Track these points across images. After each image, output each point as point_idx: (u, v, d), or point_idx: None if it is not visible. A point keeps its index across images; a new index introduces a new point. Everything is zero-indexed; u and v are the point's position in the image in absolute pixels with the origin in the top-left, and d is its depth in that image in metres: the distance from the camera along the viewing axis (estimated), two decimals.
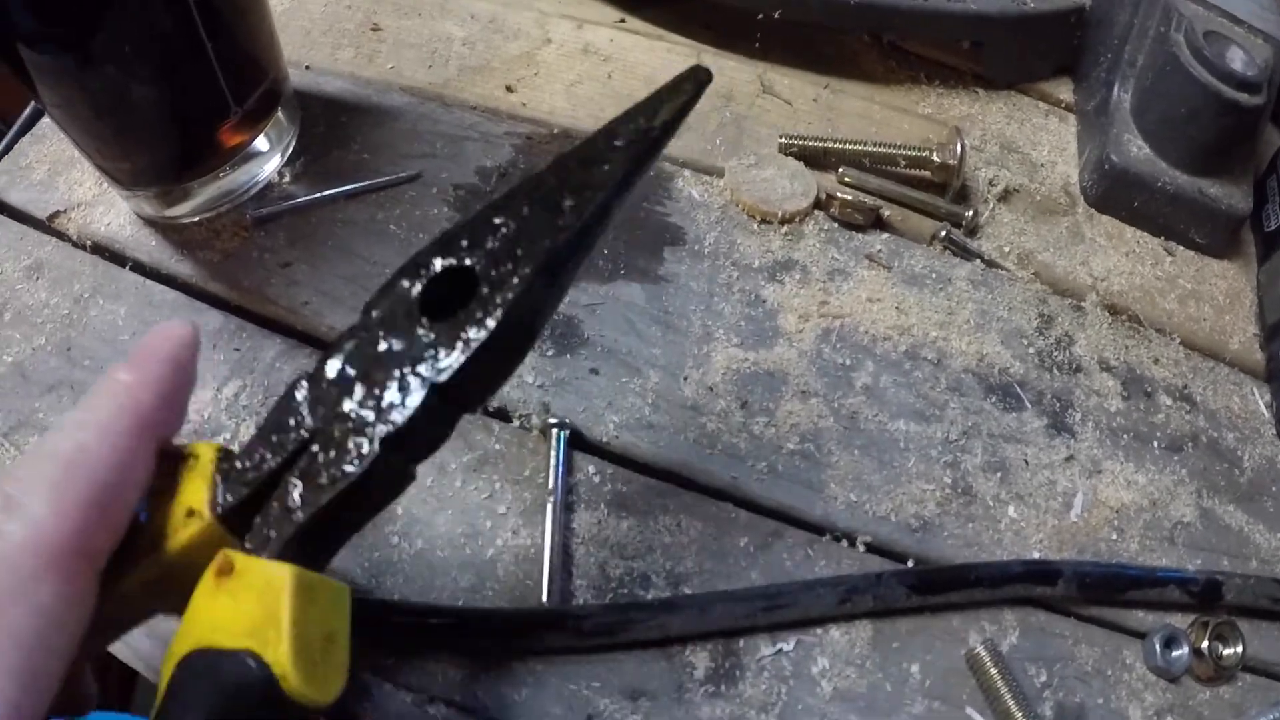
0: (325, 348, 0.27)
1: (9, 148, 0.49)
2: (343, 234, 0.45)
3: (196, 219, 0.45)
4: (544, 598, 0.36)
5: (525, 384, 0.41)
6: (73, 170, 0.47)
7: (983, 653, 0.37)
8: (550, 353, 0.43)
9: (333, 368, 0.27)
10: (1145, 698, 0.39)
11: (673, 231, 0.46)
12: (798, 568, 0.39)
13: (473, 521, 0.38)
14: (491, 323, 0.26)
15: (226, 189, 0.45)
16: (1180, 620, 0.40)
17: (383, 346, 0.26)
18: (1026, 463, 0.42)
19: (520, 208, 0.27)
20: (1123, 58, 0.51)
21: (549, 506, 0.38)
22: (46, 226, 0.46)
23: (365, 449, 0.25)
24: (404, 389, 0.25)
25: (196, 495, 0.26)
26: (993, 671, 0.37)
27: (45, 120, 0.49)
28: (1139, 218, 0.50)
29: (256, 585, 0.24)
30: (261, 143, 0.46)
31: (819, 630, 0.38)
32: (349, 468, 0.25)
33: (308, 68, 0.51)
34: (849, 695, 0.37)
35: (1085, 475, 0.43)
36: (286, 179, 0.47)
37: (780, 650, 0.37)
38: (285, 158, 0.47)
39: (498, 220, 0.27)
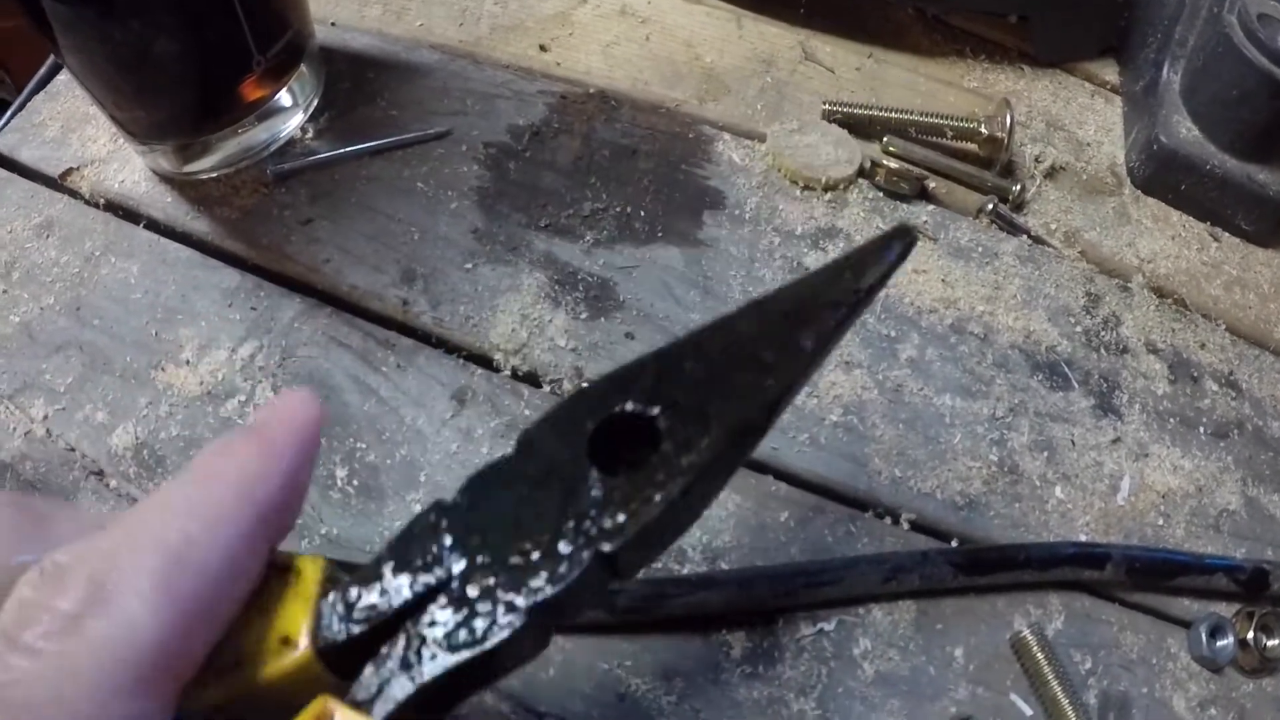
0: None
1: (22, 105, 0.47)
2: (367, 191, 0.43)
3: (215, 175, 0.43)
4: None
5: (557, 347, 0.39)
6: (86, 127, 0.45)
7: (1029, 637, 0.35)
8: (584, 316, 0.40)
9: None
10: (1189, 688, 0.37)
11: (712, 195, 0.44)
12: (839, 544, 0.36)
13: None
14: (675, 489, 0.21)
15: (246, 145, 0.43)
16: (1224, 610, 0.38)
17: (543, 492, 0.22)
18: (1073, 443, 0.40)
19: (713, 356, 0.23)
20: (1173, 38, 0.49)
21: None
22: (58, 184, 0.43)
23: (511, 616, 0.20)
24: (568, 553, 0.21)
25: (295, 619, 0.21)
26: (1039, 657, 0.35)
27: (59, 78, 0.47)
28: (1185, 201, 0.48)
29: None
30: (284, 98, 0.43)
31: (861, 610, 0.35)
32: (491, 635, 0.20)
33: (333, 24, 0.48)
34: (891, 678, 0.34)
35: (1132, 458, 0.41)
36: (309, 135, 0.44)
37: (821, 630, 0.35)
38: (308, 114, 0.45)
39: (687, 366, 0.23)
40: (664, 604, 0.33)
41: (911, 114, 0.45)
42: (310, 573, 0.22)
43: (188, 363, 0.39)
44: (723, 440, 0.22)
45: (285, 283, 0.41)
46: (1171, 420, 0.42)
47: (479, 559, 0.21)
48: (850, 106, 0.46)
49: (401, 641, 0.21)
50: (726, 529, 0.36)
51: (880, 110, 0.46)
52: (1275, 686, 0.37)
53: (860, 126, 0.46)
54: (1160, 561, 0.38)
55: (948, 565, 0.35)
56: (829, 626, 0.35)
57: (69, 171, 0.44)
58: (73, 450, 0.37)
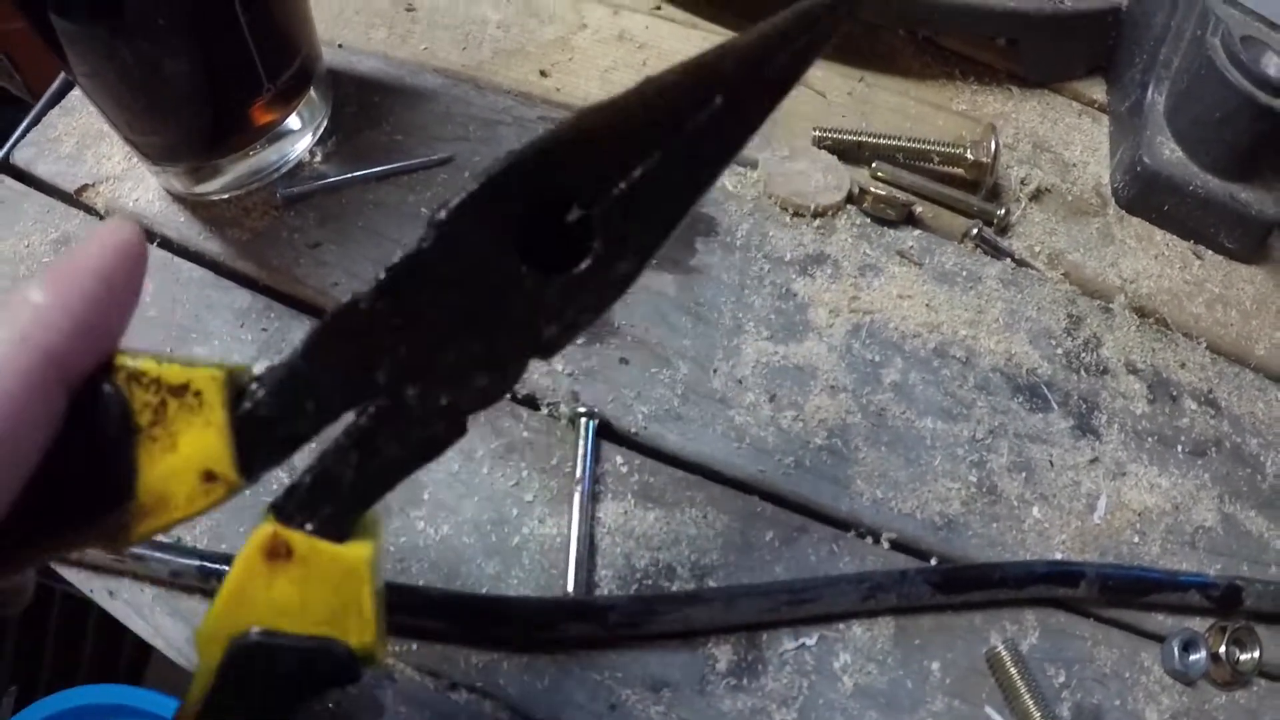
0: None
1: (37, 120, 0.48)
2: (373, 216, 0.44)
3: (226, 196, 0.44)
4: (569, 587, 0.35)
5: (555, 372, 0.40)
6: (101, 144, 0.46)
7: (1003, 652, 0.36)
8: (580, 341, 0.41)
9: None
10: (1162, 700, 0.38)
11: (705, 222, 0.45)
12: (822, 563, 0.38)
13: (499, 509, 0.37)
14: (610, 297, 0.21)
15: (257, 167, 0.44)
16: (1198, 624, 0.40)
17: (471, 294, 0.21)
18: (1051, 464, 0.41)
19: (651, 147, 0.21)
20: (1158, 60, 0.50)
21: (576, 496, 0.37)
22: (74, 200, 0.44)
23: (448, 421, 0.20)
24: (506, 361, 0.20)
25: (211, 450, 0.20)
26: (1012, 671, 0.36)
27: (75, 93, 0.48)
28: (1169, 220, 0.49)
29: (331, 574, 0.20)
30: (293, 121, 0.44)
31: (841, 626, 0.37)
32: (432, 448, 0.20)
33: (340, 46, 0.49)
34: (870, 691, 0.36)
35: (1109, 478, 0.42)
36: (318, 158, 0.45)
37: (803, 645, 0.36)
38: (317, 137, 0.46)
39: (620, 154, 0.21)
40: (653, 619, 0.35)
41: (899, 139, 0.46)
42: (211, 392, 0.20)
43: None
44: (653, 245, 0.21)
45: (295, 304, 0.42)
46: (1150, 439, 0.43)
47: (407, 366, 0.20)
48: (840, 132, 0.46)
49: (328, 451, 0.20)
50: (714, 548, 0.37)
51: (869, 136, 0.46)
52: (1247, 699, 0.38)
53: (849, 152, 0.46)
54: (1134, 579, 0.39)
55: (925, 584, 0.37)
56: (811, 641, 0.36)
57: (84, 188, 0.45)
58: None
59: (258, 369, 0.21)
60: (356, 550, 0.21)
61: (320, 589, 0.21)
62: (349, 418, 0.21)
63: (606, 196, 0.21)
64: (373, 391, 0.21)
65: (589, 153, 0.21)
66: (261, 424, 0.20)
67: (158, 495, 0.20)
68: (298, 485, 0.21)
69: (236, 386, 0.21)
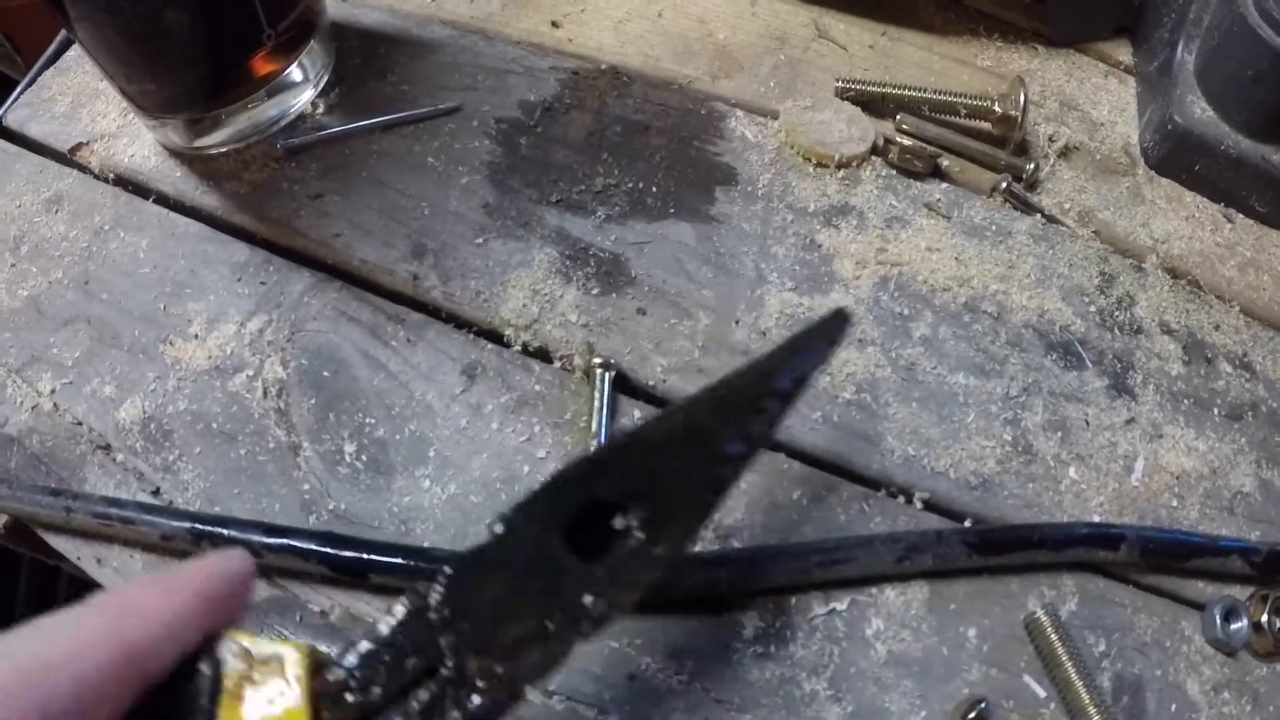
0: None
1: (32, 81, 0.45)
2: (378, 165, 0.41)
3: (225, 150, 0.41)
4: None
5: (568, 323, 0.37)
6: (96, 102, 0.43)
7: (1043, 618, 0.33)
8: (595, 291, 0.38)
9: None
10: (1203, 671, 0.35)
11: (724, 171, 0.42)
12: (852, 523, 0.34)
13: (509, 466, 0.34)
14: (648, 578, 0.22)
15: (257, 120, 0.41)
16: (1238, 593, 0.37)
17: (528, 579, 0.22)
18: (1087, 423, 0.38)
19: (678, 452, 0.23)
20: (1187, 18, 0.47)
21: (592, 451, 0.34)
22: (67, 159, 0.42)
23: (507, 692, 0.21)
24: (556, 636, 0.21)
25: (290, 711, 0.20)
26: (1053, 639, 0.33)
27: (70, 53, 0.45)
28: (1199, 182, 0.46)
29: None
30: (295, 73, 0.41)
31: (873, 590, 0.33)
32: (494, 712, 0.21)
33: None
34: (904, 659, 0.33)
35: (1146, 439, 0.38)
36: (320, 110, 0.42)
37: (833, 610, 0.33)
38: (319, 89, 0.43)
39: (655, 464, 0.23)
40: (676, 583, 0.32)
41: (925, 92, 0.43)
42: (293, 660, 0.21)
43: (196, 337, 0.37)
44: (690, 533, 0.23)
45: (295, 257, 0.39)
46: (1186, 401, 0.40)
47: (471, 642, 0.21)
48: (864, 84, 0.43)
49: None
50: (739, 507, 0.34)
51: (894, 88, 0.43)
52: None
53: (874, 104, 0.43)
54: (1175, 543, 0.36)
55: (962, 545, 0.34)
56: (841, 606, 0.33)
57: (78, 146, 0.42)
58: (80, 424, 0.35)
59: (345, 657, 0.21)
60: None
61: None
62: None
63: (644, 503, 0.22)
64: (438, 663, 0.21)
65: (630, 466, 0.23)
66: (339, 694, 0.21)
67: None
68: None
69: (319, 661, 0.21)
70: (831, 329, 0.25)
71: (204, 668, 0.20)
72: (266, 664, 0.21)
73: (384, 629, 0.21)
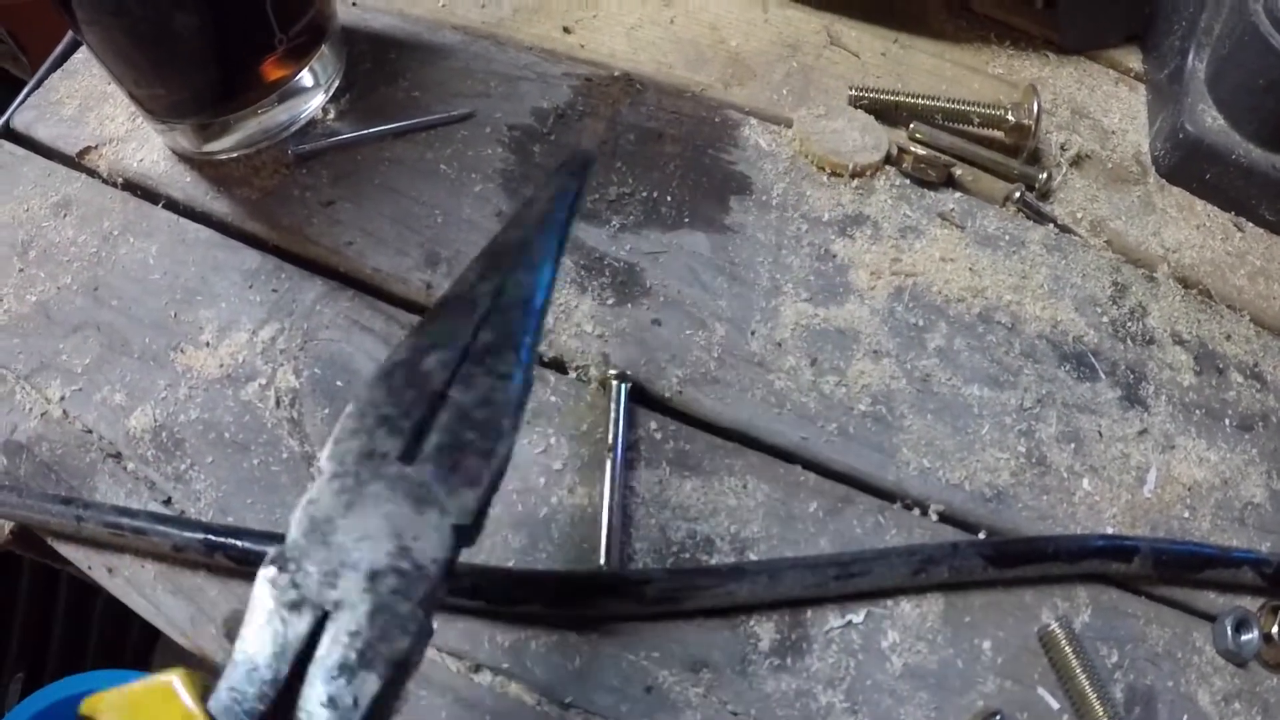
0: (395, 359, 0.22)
1: (39, 84, 0.44)
2: (390, 173, 0.40)
3: (235, 155, 0.41)
4: (601, 561, 0.32)
5: (584, 333, 0.37)
6: (104, 105, 0.43)
7: (1057, 631, 0.33)
8: (610, 301, 0.38)
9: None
10: (1214, 682, 0.35)
11: (739, 180, 0.41)
12: (868, 535, 0.34)
13: (526, 477, 0.34)
14: (499, 453, 0.21)
15: (267, 125, 0.41)
16: (1249, 604, 0.37)
17: (378, 490, 0.21)
18: (1100, 434, 0.38)
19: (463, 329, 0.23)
20: (1198, 26, 0.47)
21: (608, 463, 0.33)
22: (75, 163, 0.41)
23: (409, 616, 0.20)
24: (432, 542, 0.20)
25: None
26: (1067, 651, 0.33)
27: (78, 55, 0.45)
28: (1210, 191, 0.46)
29: None
30: (305, 78, 0.41)
31: (889, 602, 0.33)
32: (399, 644, 0.19)
33: (354, 3, 0.46)
34: (919, 672, 0.32)
35: (1158, 450, 0.38)
36: (331, 116, 0.42)
37: (850, 622, 0.33)
38: (330, 94, 0.42)
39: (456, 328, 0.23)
40: (693, 594, 0.31)
41: (938, 100, 0.43)
42: (177, 694, 0.20)
43: (207, 345, 0.37)
44: (521, 395, 0.22)
45: (307, 265, 0.39)
46: (1197, 412, 0.40)
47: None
48: (877, 92, 0.43)
49: (314, 697, 0.19)
50: (755, 519, 0.34)
51: (907, 96, 0.43)
52: None
53: (887, 112, 0.43)
54: (1187, 555, 0.36)
55: (977, 557, 0.33)
56: (857, 619, 0.33)
57: (86, 150, 0.41)
58: (90, 432, 0.35)
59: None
60: None
61: None
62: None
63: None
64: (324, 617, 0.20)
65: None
66: (232, 702, 0.19)
67: None
68: None
69: (202, 684, 0.20)
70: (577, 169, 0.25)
71: None
72: (150, 703, 0.20)
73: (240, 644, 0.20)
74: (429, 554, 0.20)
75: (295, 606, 0.20)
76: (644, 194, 0.41)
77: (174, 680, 0.20)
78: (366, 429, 0.21)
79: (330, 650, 0.19)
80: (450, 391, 0.22)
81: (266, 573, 0.20)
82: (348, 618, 0.20)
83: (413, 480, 0.21)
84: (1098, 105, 0.48)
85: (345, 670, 0.19)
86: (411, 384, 0.22)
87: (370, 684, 0.19)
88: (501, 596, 0.31)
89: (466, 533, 0.21)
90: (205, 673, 0.20)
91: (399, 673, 0.19)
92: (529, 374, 0.23)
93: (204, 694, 0.20)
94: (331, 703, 0.19)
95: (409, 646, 0.19)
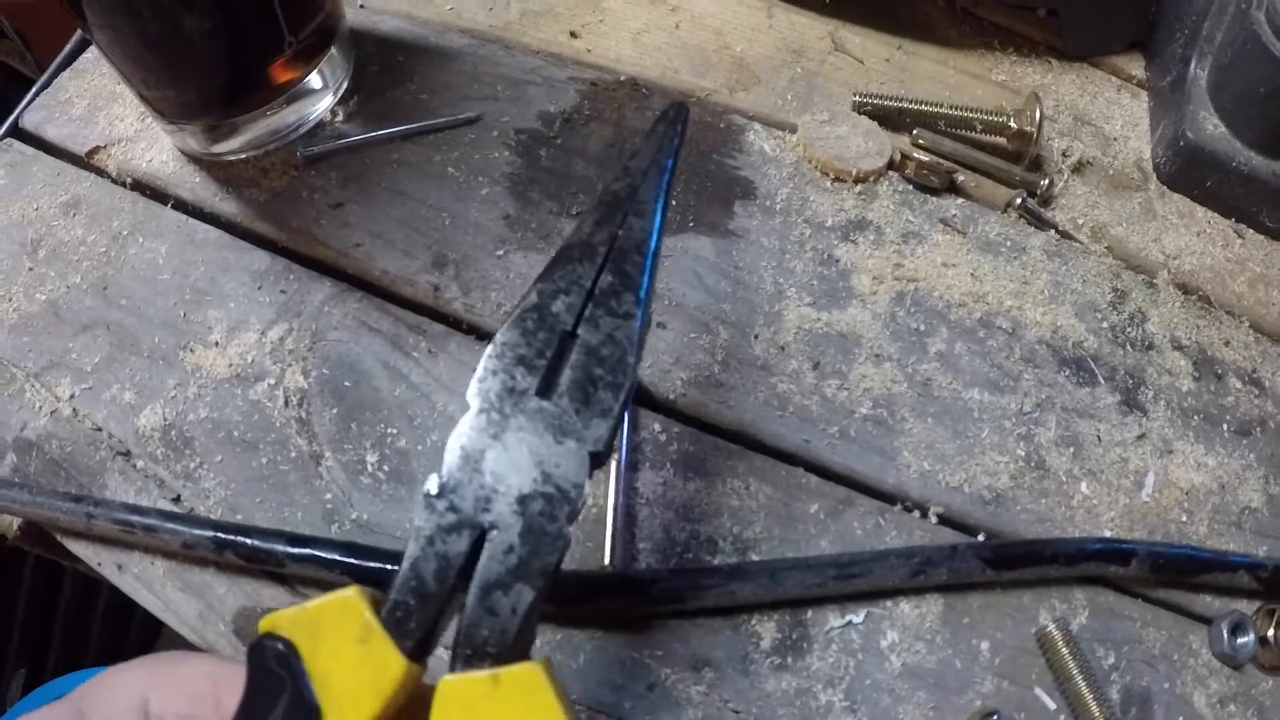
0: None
1: (48, 83, 0.45)
2: (398, 175, 0.41)
3: (243, 156, 0.41)
4: (606, 560, 0.33)
5: None
6: (114, 105, 0.43)
7: (1055, 632, 0.34)
8: None
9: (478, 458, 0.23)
10: (1210, 684, 0.35)
11: (743, 185, 0.42)
12: (869, 537, 0.35)
13: None
14: (626, 384, 0.24)
15: (276, 126, 0.41)
16: (1245, 607, 0.37)
17: (520, 422, 0.23)
18: (1099, 439, 0.39)
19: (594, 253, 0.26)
20: (1200, 34, 0.47)
21: (613, 465, 0.34)
22: (85, 162, 0.42)
23: (557, 535, 0.22)
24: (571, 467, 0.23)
25: (377, 653, 0.21)
26: (1064, 652, 0.34)
27: (87, 55, 0.45)
28: (1211, 197, 0.47)
29: (520, 695, 0.21)
30: (314, 80, 0.42)
31: (889, 603, 0.34)
32: (549, 558, 0.22)
33: (362, 5, 0.46)
34: (918, 671, 0.33)
35: (1157, 455, 0.39)
36: (339, 118, 0.43)
37: (850, 622, 0.33)
38: (338, 96, 0.43)
39: (579, 273, 0.25)
40: (697, 594, 0.32)
41: (941, 107, 0.44)
42: (356, 606, 0.22)
43: (216, 344, 0.37)
44: (643, 328, 0.25)
45: (315, 266, 0.39)
46: (1195, 417, 0.40)
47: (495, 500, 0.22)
48: (880, 98, 0.44)
49: (479, 604, 0.22)
50: (757, 520, 0.35)
51: (910, 102, 0.44)
52: None
53: (890, 118, 0.44)
54: (1184, 558, 0.37)
55: (976, 559, 0.34)
56: (857, 619, 0.34)
57: (96, 150, 0.42)
58: (100, 430, 0.35)
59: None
60: (532, 668, 0.22)
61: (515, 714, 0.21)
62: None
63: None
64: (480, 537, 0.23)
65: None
66: (400, 613, 0.22)
67: (342, 703, 0.21)
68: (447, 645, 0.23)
69: (375, 599, 0.23)
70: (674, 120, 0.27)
71: (272, 645, 0.21)
72: (331, 618, 0.22)
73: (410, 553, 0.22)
74: (570, 478, 0.23)
75: (455, 529, 0.22)
76: None
77: (353, 594, 0.22)
78: (505, 368, 0.24)
79: (488, 566, 0.22)
80: (579, 331, 0.24)
81: (427, 499, 0.23)
82: (502, 537, 0.22)
83: (551, 413, 0.23)
84: (1100, 112, 0.48)
85: (503, 583, 0.22)
86: (542, 326, 0.24)
87: (526, 594, 0.22)
88: None
89: (600, 458, 0.23)
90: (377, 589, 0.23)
91: (549, 583, 0.22)
92: (648, 312, 0.25)
93: (377, 607, 0.22)
94: (491, 612, 0.22)
95: (558, 560, 0.22)
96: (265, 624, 0.22)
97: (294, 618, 0.22)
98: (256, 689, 0.21)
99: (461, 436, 0.23)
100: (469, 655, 0.22)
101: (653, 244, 0.25)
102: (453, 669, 0.22)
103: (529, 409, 0.23)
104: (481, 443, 0.23)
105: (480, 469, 0.23)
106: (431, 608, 0.22)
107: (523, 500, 0.22)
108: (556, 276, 0.25)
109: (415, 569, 0.22)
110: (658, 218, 0.26)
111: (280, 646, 0.21)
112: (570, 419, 0.23)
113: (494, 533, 0.22)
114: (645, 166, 0.26)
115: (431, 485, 0.23)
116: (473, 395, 0.23)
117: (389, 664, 0.21)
